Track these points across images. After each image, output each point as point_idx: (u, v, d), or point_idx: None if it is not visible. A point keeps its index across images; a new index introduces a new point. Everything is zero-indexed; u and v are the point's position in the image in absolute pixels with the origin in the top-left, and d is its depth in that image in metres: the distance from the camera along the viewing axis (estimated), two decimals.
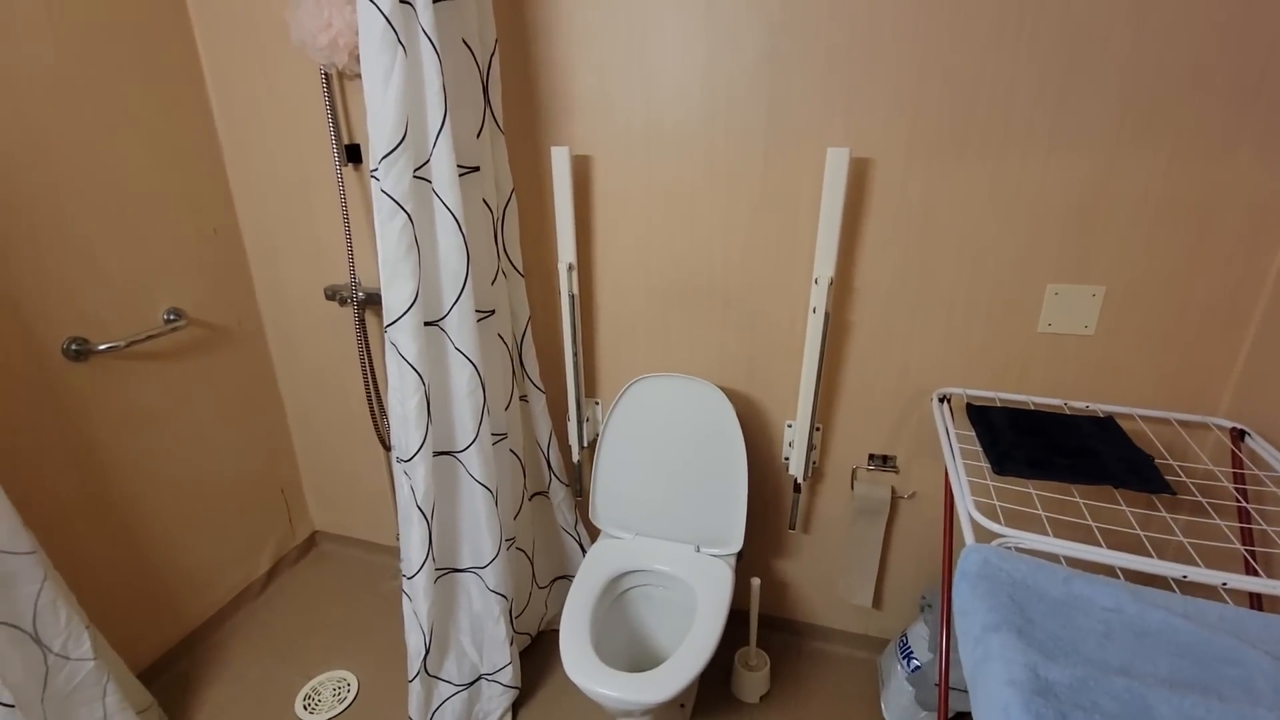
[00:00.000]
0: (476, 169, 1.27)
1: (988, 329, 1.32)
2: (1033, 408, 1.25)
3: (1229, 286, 1.17)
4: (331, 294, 1.73)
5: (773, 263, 1.39)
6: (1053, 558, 0.80)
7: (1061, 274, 1.24)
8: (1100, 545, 0.81)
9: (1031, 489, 0.97)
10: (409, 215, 1.14)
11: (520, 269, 1.45)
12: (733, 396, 1.42)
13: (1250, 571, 0.97)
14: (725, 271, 1.43)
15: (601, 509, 1.57)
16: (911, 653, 1.46)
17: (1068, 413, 1.23)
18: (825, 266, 1.28)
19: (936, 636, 1.39)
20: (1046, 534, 0.84)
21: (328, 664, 1.71)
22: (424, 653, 1.39)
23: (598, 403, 1.66)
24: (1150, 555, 0.80)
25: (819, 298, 1.29)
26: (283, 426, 2.01)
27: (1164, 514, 0.94)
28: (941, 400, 1.29)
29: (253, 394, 1.89)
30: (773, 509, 1.64)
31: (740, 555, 1.48)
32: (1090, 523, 0.90)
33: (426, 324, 1.24)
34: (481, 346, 1.29)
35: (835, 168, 1.20)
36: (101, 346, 1.42)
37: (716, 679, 1.64)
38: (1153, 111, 1.10)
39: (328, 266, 1.72)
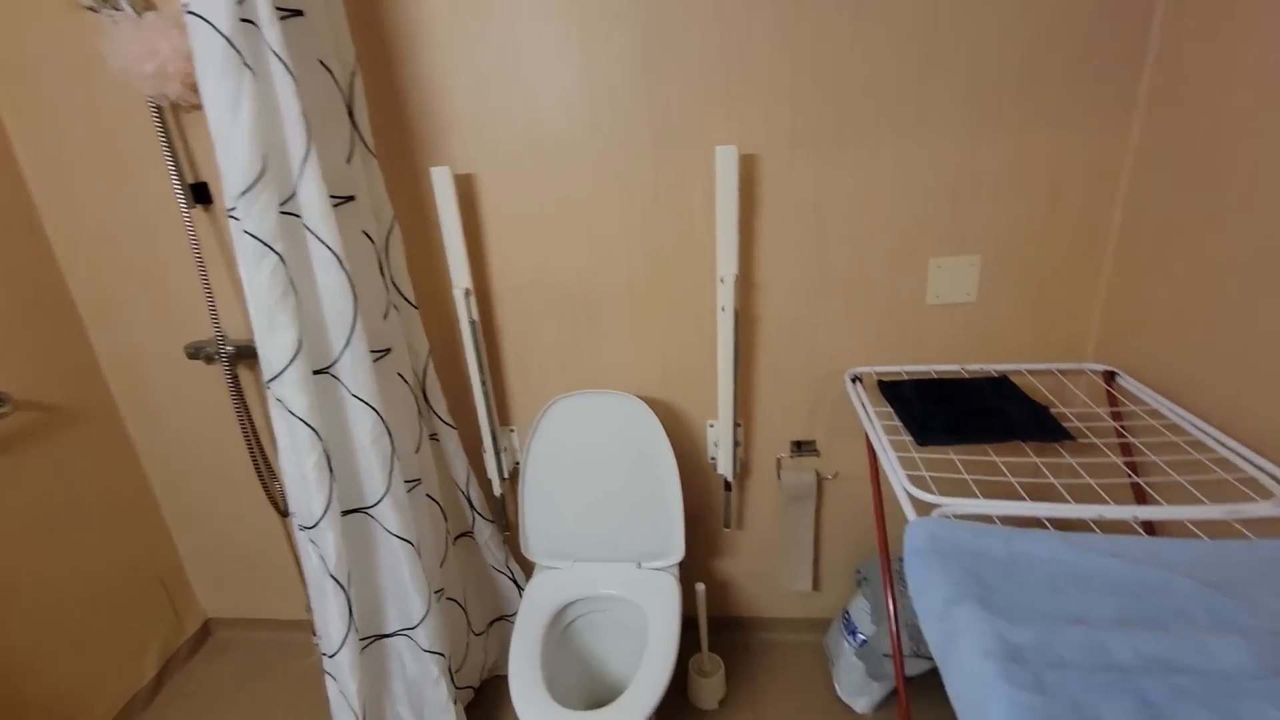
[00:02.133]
0: (352, 198, 1.16)
1: (883, 307, 1.38)
2: (935, 376, 1.32)
3: (1079, 245, 1.29)
4: (194, 352, 1.53)
5: (675, 265, 1.39)
6: (986, 518, 0.84)
7: (942, 248, 1.32)
8: (1025, 498, 0.85)
9: (953, 454, 1.01)
10: (280, 256, 1.02)
11: (413, 300, 1.35)
12: (653, 405, 1.39)
13: (1139, 498, 1.08)
14: (629, 279, 1.41)
15: (533, 540, 1.49)
16: (855, 628, 1.50)
17: (966, 376, 1.31)
18: (729, 264, 1.29)
19: (878, 609, 1.44)
20: (976, 496, 0.88)
21: None
22: None
23: (513, 430, 1.58)
24: (1068, 500, 0.85)
25: (726, 296, 1.30)
26: (152, 508, 1.77)
27: (1067, 459, 1.01)
28: (854, 380, 1.33)
29: (110, 477, 1.65)
30: (705, 510, 1.63)
31: (682, 564, 1.46)
32: (1011, 478, 0.95)
33: (315, 372, 1.12)
34: (381, 389, 1.18)
35: (726, 165, 1.21)
36: None
37: (673, 689, 1.57)
38: (999, 96, 1.20)
39: (186, 322, 1.53)
